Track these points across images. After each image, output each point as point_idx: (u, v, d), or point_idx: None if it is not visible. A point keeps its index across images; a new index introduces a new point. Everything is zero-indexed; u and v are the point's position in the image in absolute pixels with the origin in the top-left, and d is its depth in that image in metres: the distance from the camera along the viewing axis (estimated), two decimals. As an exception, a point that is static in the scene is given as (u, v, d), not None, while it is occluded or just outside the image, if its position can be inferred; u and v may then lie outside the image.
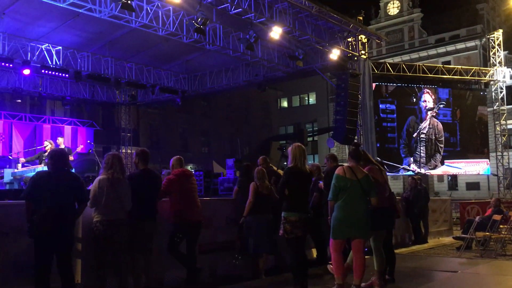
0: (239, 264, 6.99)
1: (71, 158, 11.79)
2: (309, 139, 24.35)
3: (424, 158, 18.70)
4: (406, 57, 35.04)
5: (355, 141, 14.59)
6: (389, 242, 6.45)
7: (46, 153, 11.02)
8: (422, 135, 18.79)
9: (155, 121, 29.35)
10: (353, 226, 5.49)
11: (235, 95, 25.13)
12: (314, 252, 7.91)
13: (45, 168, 10.24)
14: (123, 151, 22.28)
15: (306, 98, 42.43)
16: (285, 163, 19.04)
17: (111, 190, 5.25)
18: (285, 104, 43.67)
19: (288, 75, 17.21)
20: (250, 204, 6.66)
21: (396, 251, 7.00)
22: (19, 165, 12.17)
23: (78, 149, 12.60)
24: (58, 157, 4.89)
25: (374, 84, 16.71)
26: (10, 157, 15.86)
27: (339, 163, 6.92)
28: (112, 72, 16.17)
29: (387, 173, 7.83)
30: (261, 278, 6.75)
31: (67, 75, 15.27)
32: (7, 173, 11.36)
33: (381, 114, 18.06)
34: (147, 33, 12.82)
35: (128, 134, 21.66)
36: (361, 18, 16.19)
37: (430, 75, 18.47)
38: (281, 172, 7.76)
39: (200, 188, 15.75)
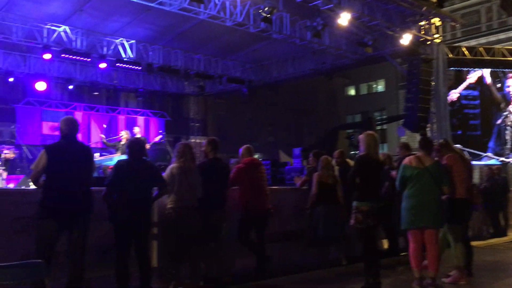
0: (308, 253, 6.98)
1: (147, 146, 12.29)
2: (378, 127, 23.68)
3: (510, 146, 17.62)
4: (483, 40, 32.95)
5: (427, 128, 14.03)
6: (465, 235, 6.17)
7: (122, 143, 11.55)
8: (509, 122, 17.73)
9: (222, 112, 29.84)
10: (423, 216, 5.34)
11: (301, 84, 24.89)
12: (385, 243, 7.73)
13: (123, 157, 10.77)
14: (192, 141, 22.88)
15: (375, 85, 41.26)
16: (352, 152, 18.66)
17: (183, 178, 5.41)
18: (352, 92, 42.74)
19: (356, 62, 16.79)
20: (314, 196, 6.61)
21: (473, 243, 6.67)
22: (97, 155, 12.86)
23: (157, 139, 13.03)
24: (136, 146, 5.11)
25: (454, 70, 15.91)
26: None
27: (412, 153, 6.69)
28: (182, 64, 16.59)
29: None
30: (331, 268, 6.70)
31: (139, 68, 15.86)
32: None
33: (462, 101, 17.22)
34: (215, 24, 12.99)
35: (197, 124, 22.19)
36: (434, 0, 15.42)
37: (510, 58, 17.27)
38: (350, 161, 7.64)
39: (267, 177, 15.80)
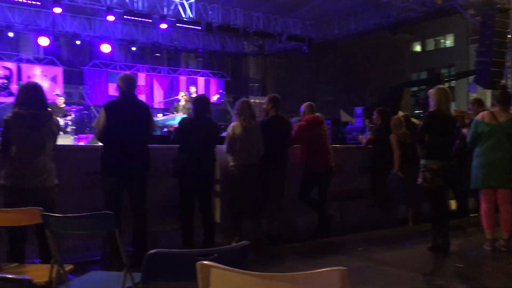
0: (372, 213, 6.84)
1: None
2: (446, 84, 22.47)
3: None
4: None
5: (502, 84, 13.09)
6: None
7: (181, 103, 11.71)
8: None
9: (281, 71, 29.47)
10: (494, 174, 5.03)
11: (363, 41, 23.97)
12: (454, 203, 7.41)
13: (182, 116, 10.93)
14: (251, 100, 22.90)
15: (442, 40, 38.96)
16: (416, 111, 17.82)
17: (244, 135, 5.38)
18: (417, 48, 40.66)
19: (424, 15, 15.81)
20: (400, 157, 6.36)
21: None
22: (160, 115, 13.16)
23: (214, 98, 13.11)
24: (200, 104, 5.10)
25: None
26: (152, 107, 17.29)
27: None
28: (241, 23, 16.40)
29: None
30: (396, 228, 6.54)
31: (199, 28, 15.84)
32: (151, 122, 12.30)
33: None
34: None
35: (256, 84, 22.10)
36: None
37: None
38: (415, 121, 7.30)
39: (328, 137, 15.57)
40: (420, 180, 5.17)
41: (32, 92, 3.76)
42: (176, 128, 5.21)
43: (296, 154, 6.11)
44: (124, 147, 4.50)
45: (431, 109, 5.14)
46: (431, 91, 5.14)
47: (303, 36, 17.84)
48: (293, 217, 6.38)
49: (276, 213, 5.84)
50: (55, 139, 3.91)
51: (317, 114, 6.54)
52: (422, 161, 5.15)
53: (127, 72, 5.09)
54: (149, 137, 4.77)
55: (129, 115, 4.56)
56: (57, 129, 3.95)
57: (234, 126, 5.47)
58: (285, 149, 5.89)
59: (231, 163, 5.43)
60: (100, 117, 4.56)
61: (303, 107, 6.36)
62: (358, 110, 16.86)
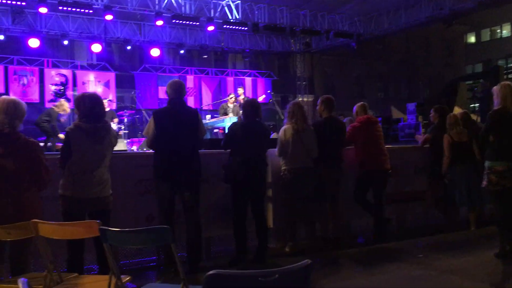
0: (431, 215, 6.54)
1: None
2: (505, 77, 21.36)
3: None
4: None
5: None
6: None
7: (229, 105, 11.71)
8: None
9: (329, 68, 29.07)
10: None
11: (413, 35, 23.23)
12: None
13: (234, 119, 10.94)
14: (300, 99, 22.69)
15: (498, 30, 37.18)
16: (471, 105, 16.97)
17: (296, 138, 5.26)
18: (472, 39, 38.98)
19: (479, 5, 15.08)
20: (448, 160, 6.08)
21: None
22: (208, 116, 13.25)
23: (261, 98, 13.07)
24: (250, 108, 5.03)
25: None
26: (201, 109, 17.50)
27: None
28: (287, 21, 16.27)
29: None
30: (457, 231, 6.21)
31: (245, 28, 15.85)
32: (200, 126, 12.40)
33: None
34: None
35: (304, 83, 21.90)
36: None
37: None
38: (474, 116, 6.91)
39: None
40: (484, 183, 4.86)
41: (92, 104, 3.81)
42: (226, 133, 5.15)
43: (350, 156, 5.92)
44: (175, 154, 4.49)
45: (495, 107, 4.81)
46: (495, 88, 4.82)
47: (351, 32, 17.48)
48: (348, 220, 6.20)
49: (331, 217, 5.69)
50: (112, 151, 3.95)
51: (370, 113, 6.33)
52: (487, 163, 4.84)
53: (176, 79, 5.06)
54: (199, 143, 4.74)
55: (178, 121, 4.55)
56: (115, 141, 3.99)
57: (285, 129, 5.37)
58: (339, 151, 5.73)
59: (283, 167, 5.33)
60: (149, 125, 4.58)
61: (356, 107, 6.16)
62: (411, 106, 16.31)
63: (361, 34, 17.66)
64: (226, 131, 11.02)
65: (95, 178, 3.77)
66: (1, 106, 3.34)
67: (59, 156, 3.83)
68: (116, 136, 4.05)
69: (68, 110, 9.60)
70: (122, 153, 4.47)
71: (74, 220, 3.66)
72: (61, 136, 9.98)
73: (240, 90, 13.08)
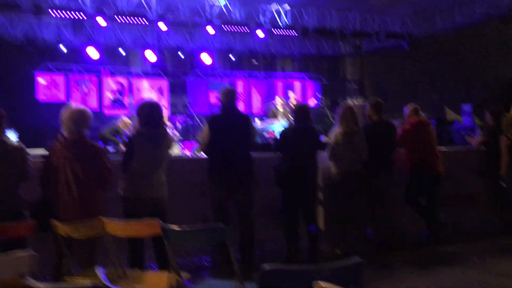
0: (487, 219, 6.36)
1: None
2: None
3: None
4: None
5: None
6: None
7: (279, 108, 11.84)
8: None
9: (380, 70, 28.53)
10: None
11: (468, 33, 22.37)
12: None
13: (282, 122, 11.05)
14: (350, 102, 22.48)
15: (562, 26, 35.21)
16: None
17: (348, 142, 5.30)
18: (532, 36, 37.16)
19: (540, 0, 14.45)
20: (506, 163, 5.89)
21: None
22: (257, 119, 13.43)
23: (311, 103, 13.12)
24: (301, 112, 5.14)
25: None
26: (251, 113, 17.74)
27: None
28: (337, 24, 16.20)
29: None
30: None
31: (295, 33, 15.93)
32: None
33: None
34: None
35: (354, 85, 21.68)
36: None
37: None
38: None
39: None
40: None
41: (152, 111, 4.07)
42: (277, 138, 5.28)
43: (402, 158, 5.88)
44: (228, 158, 4.67)
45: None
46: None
47: (403, 32, 17.17)
48: (401, 223, 6.14)
49: (383, 220, 5.68)
50: (169, 155, 4.19)
51: (421, 114, 6.26)
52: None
53: (228, 86, 5.27)
54: (251, 147, 4.89)
55: (231, 127, 4.73)
56: (172, 145, 4.23)
57: (336, 133, 5.40)
58: (390, 154, 5.71)
59: (334, 171, 5.37)
60: (204, 131, 4.79)
61: (407, 110, 6.11)
62: (466, 107, 15.81)
63: (413, 34, 17.30)
64: (277, 135, 11.19)
65: (154, 180, 4.01)
66: (69, 115, 3.64)
67: (122, 160, 4.09)
68: (172, 141, 4.27)
69: (128, 127, 10.35)
70: (179, 158, 4.69)
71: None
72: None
73: (291, 94, 13.20)
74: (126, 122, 10.37)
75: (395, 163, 5.71)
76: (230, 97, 4.85)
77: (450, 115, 19.08)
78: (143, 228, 2.86)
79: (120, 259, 3.19)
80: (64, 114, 3.68)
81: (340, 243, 5.43)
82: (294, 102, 12.64)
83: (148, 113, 4.06)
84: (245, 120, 4.89)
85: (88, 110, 3.81)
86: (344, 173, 5.28)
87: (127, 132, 10.13)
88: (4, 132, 3.68)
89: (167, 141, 4.15)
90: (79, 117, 3.66)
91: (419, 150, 5.76)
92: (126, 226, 2.90)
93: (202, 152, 4.98)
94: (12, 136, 9.94)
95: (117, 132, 10.20)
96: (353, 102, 21.74)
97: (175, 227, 2.63)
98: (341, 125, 5.40)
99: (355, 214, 5.44)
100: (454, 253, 5.39)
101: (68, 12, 12.75)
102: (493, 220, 6.45)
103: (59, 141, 3.64)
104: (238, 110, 5.02)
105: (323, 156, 5.46)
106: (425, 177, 5.75)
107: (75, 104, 3.78)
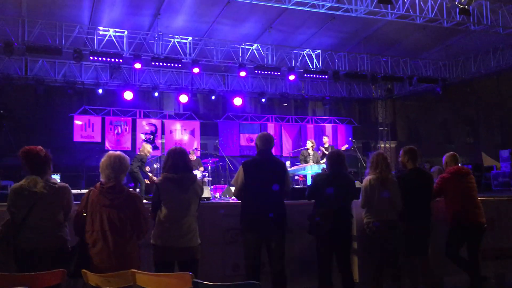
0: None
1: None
2: None
3: None
4: None
5: None
6: None
7: (310, 152, 11.76)
8: None
9: (412, 113, 28.28)
10: None
11: (504, 77, 22.03)
12: None
13: (314, 167, 10.93)
14: (381, 145, 22.18)
15: None
16: None
17: (381, 189, 5.14)
18: None
19: None
20: None
21: None
22: (288, 162, 13.35)
23: (343, 148, 12.99)
24: (335, 158, 5.04)
25: None
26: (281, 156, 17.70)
27: None
28: (368, 68, 16.22)
29: None
30: None
31: (326, 76, 16.02)
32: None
33: None
34: (403, 24, 12.38)
35: (386, 129, 21.45)
36: None
37: None
38: None
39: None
40: None
41: (179, 157, 4.06)
42: (310, 184, 5.17)
43: (440, 208, 5.65)
44: (262, 205, 4.57)
45: None
46: None
47: (436, 77, 17.00)
48: (441, 277, 5.83)
49: (421, 272, 5.40)
50: (198, 201, 4.12)
51: (459, 160, 6.05)
52: None
53: (265, 132, 5.24)
54: (286, 194, 4.79)
55: (266, 172, 4.66)
56: (201, 191, 4.16)
57: (370, 179, 5.26)
58: (427, 204, 5.49)
59: (367, 219, 5.19)
60: (238, 174, 4.72)
61: (445, 157, 5.93)
62: (504, 153, 15.34)
63: (447, 79, 17.11)
64: (309, 181, 11.06)
65: (184, 227, 3.95)
66: (108, 162, 3.65)
67: (150, 207, 4.06)
68: (201, 186, 4.22)
69: (150, 152, 10.99)
70: (209, 203, 4.64)
71: (165, 268, 3.84)
72: (152, 177, 10.95)
73: (325, 139, 13.14)
74: (145, 148, 11.05)
75: (433, 213, 5.47)
76: (267, 142, 4.81)
77: (487, 160, 18.58)
78: (174, 282, 2.77)
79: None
80: (103, 161, 3.70)
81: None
82: (327, 145, 12.57)
83: (175, 158, 4.06)
84: (281, 167, 4.82)
85: (126, 157, 3.82)
86: (378, 222, 5.08)
87: (149, 156, 11.01)
88: (50, 174, 3.77)
89: (195, 186, 4.09)
90: (117, 163, 3.68)
91: (459, 200, 5.52)
92: (157, 279, 2.82)
93: (234, 197, 4.91)
94: (56, 178, 10.20)
95: (141, 161, 10.75)
96: (385, 145, 21.51)
97: (206, 283, 2.53)
98: (374, 171, 5.26)
99: (391, 266, 5.20)
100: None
101: (107, 58, 13.20)
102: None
103: (96, 188, 3.64)
104: (274, 156, 4.97)
105: (357, 203, 5.31)
106: (468, 229, 5.49)
107: (112, 151, 3.80)
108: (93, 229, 3.55)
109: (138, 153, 10.91)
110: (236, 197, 4.85)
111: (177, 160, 4.05)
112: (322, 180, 5.00)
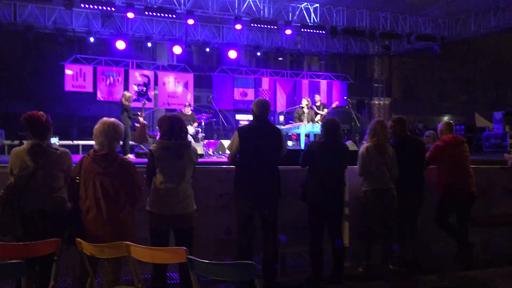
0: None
1: (325, 112, 12.24)
2: None
3: None
4: None
5: None
6: None
7: (304, 110, 11.67)
8: None
9: (409, 70, 28.05)
10: None
11: (503, 38, 21.73)
12: None
13: (308, 126, 10.89)
14: (376, 102, 22.13)
15: None
16: None
17: (379, 158, 5.13)
18: None
19: None
20: None
21: None
22: (282, 117, 13.24)
23: (333, 105, 12.91)
24: (330, 127, 4.99)
25: None
26: (275, 112, 17.63)
27: None
28: (367, 24, 15.89)
29: None
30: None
31: (323, 32, 15.69)
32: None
33: None
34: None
35: (381, 85, 21.33)
36: None
37: None
38: None
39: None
40: None
41: (173, 123, 3.98)
42: (304, 151, 5.12)
43: (433, 176, 5.69)
44: (256, 171, 4.56)
45: None
46: None
47: (435, 35, 16.71)
48: (429, 242, 5.95)
49: (410, 238, 5.51)
50: (193, 167, 4.09)
51: (446, 116, 6.02)
52: None
53: (262, 98, 5.15)
54: (280, 161, 4.77)
55: (261, 139, 4.61)
56: (196, 157, 4.12)
57: (367, 147, 5.22)
58: (420, 172, 5.52)
59: (364, 187, 5.20)
60: (233, 140, 4.68)
61: (441, 125, 5.90)
62: (498, 115, 15.37)
63: (446, 37, 16.83)
64: (303, 140, 11.02)
65: (180, 194, 3.93)
66: (101, 129, 3.58)
67: (145, 174, 4.03)
68: (196, 153, 4.17)
69: (131, 97, 10.74)
70: (203, 168, 4.61)
71: (160, 235, 3.87)
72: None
73: (317, 97, 13.02)
74: (125, 94, 10.69)
75: (425, 181, 5.51)
76: (263, 108, 4.74)
77: (480, 121, 18.65)
78: (168, 256, 2.79)
79: (144, 279, 3.12)
80: (96, 127, 3.62)
81: (364, 261, 5.28)
82: (318, 104, 12.48)
83: (169, 125, 3.98)
84: (277, 134, 4.77)
85: (121, 124, 3.74)
86: (375, 190, 5.11)
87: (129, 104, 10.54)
88: (50, 138, 3.80)
89: (190, 152, 4.05)
90: (111, 131, 3.60)
91: (452, 169, 5.55)
92: (152, 252, 2.83)
93: (230, 163, 4.88)
94: (54, 141, 10.10)
95: (126, 111, 10.40)
96: (380, 102, 21.42)
97: (201, 261, 2.53)
98: (371, 139, 5.23)
99: (382, 232, 5.28)
100: (485, 280, 5.20)
101: (98, 5, 12.78)
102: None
103: (89, 155, 3.59)
104: (270, 122, 4.91)
105: (351, 169, 5.31)
106: (458, 198, 5.55)
107: (106, 118, 3.71)
108: (86, 197, 3.54)
109: (120, 102, 10.62)
110: (230, 162, 4.82)
111: (172, 126, 3.98)
112: (316, 148, 4.96)
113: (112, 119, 3.70)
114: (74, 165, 3.78)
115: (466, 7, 15.53)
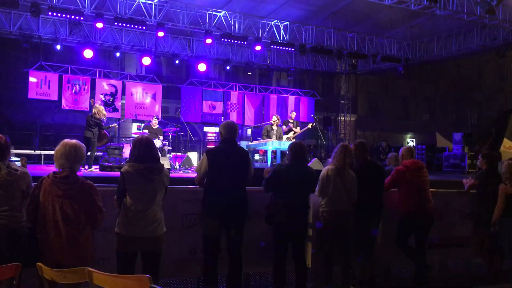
0: (474, 263, 6.37)
1: (298, 130, 12.40)
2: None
3: None
4: None
5: None
6: None
7: (274, 127, 11.80)
8: None
9: (374, 88, 28.74)
10: None
11: (464, 61, 22.57)
12: None
13: (275, 143, 10.98)
14: (342, 118, 22.56)
15: (555, 57, 35.59)
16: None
17: (339, 180, 5.25)
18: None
19: (535, 36, 14.61)
20: (500, 211, 5.86)
21: None
22: (249, 131, 13.32)
23: (309, 126, 12.89)
24: (297, 150, 5.07)
25: None
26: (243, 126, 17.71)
27: None
28: (334, 43, 16.26)
29: None
30: (502, 283, 6.01)
31: (292, 49, 15.95)
32: (242, 146, 12.55)
33: None
34: (371, 2, 12.40)
35: (347, 102, 21.77)
36: None
37: None
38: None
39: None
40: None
41: (146, 147, 3.98)
42: (269, 176, 5.16)
43: (393, 199, 5.86)
44: (225, 193, 4.60)
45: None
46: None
47: (399, 56, 17.28)
48: (387, 263, 6.11)
49: (369, 259, 5.64)
50: (165, 190, 4.09)
51: (409, 134, 6.22)
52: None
53: (230, 120, 5.20)
54: (247, 184, 4.83)
55: (230, 161, 4.66)
56: (168, 181, 4.12)
57: (329, 169, 5.35)
58: (379, 196, 5.67)
59: (322, 208, 5.31)
60: (202, 162, 4.71)
61: (402, 150, 6.10)
62: (457, 136, 15.93)
63: (409, 59, 17.43)
64: (270, 156, 11.07)
65: (149, 217, 3.92)
66: (62, 151, 3.55)
67: (115, 196, 4.01)
68: (168, 176, 4.17)
69: (106, 114, 10.54)
70: (169, 188, 4.61)
71: (127, 258, 3.85)
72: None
73: (293, 114, 13.15)
74: (101, 110, 10.56)
75: (385, 204, 5.67)
76: (231, 131, 4.80)
77: (441, 141, 19.26)
78: (132, 283, 2.77)
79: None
80: (57, 149, 3.59)
81: (326, 281, 5.37)
82: (292, 121, 12.63)
83: (141, 149, 3.98)
84: (245, 157, 4.83)
85: (83, 146, 3.71)
86: (333, 212, 5.23)
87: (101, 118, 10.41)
88: (9, 159, 3.75)
89: (162, 177, 4.05)
90: (73, 153, 3.57)
91: (412, 193, 5.72)
92: (114, 280, 2.81)
93: (197, 184, 4.89)
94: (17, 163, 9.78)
95: (97, 125, 10.36)
96: (346, 118, 21.79)
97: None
98: (334, 161, 5.36)
99: (342, 253, 5.39)
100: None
101: (66, 14, 12.61)
102: (482, 264, 6.44)
103: (49, 177, 3.55)
104: (237, 145, 4.96)
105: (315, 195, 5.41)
106: (418, 221, 5.73)
107: (68, 140, 3.68)
108: (45, 219, 3.49)
109: (93, 115, 10.35)
110: (198, 184, 4.84)
111: (144, 150, 3.98)
112: (282, 172, 5.03)
113: (74, 141, 3.66)
114: (33, 185, 3.73)
115: (429, 31, 16.14)
